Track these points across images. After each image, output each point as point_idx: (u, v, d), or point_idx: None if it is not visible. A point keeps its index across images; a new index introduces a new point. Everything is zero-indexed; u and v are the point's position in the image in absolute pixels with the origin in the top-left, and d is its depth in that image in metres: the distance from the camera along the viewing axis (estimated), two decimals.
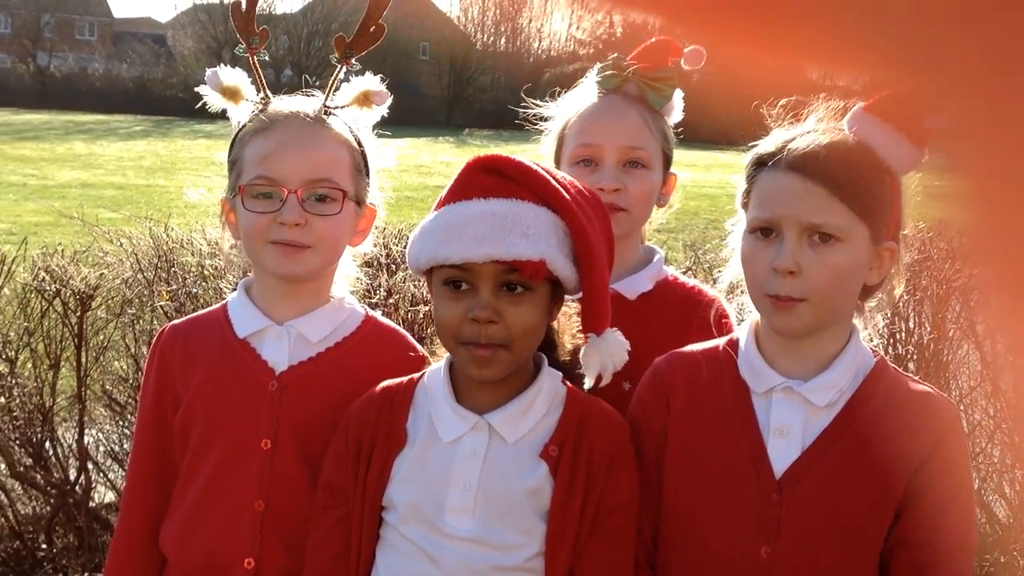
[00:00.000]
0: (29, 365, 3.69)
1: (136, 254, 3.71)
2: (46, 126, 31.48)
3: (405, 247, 1.91)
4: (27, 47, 55.06)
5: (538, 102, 2.31)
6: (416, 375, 1.91)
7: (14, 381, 3.54)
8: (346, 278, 2.14)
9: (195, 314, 2.21)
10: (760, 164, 1.78)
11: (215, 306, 2.16)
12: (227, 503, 1.96)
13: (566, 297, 1.85)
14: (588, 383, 1.78)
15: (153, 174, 18.77)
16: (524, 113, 2.32)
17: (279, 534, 1.94)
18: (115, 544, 2.09)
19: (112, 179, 18.88)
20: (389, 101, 2.09)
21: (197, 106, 2.10)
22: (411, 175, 19.17)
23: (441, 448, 1.79)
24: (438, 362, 1.90)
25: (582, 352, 1.79)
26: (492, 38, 55.81)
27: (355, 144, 2.03)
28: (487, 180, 1.75)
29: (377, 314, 2.16)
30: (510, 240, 1.69)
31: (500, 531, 1.76)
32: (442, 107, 46.91)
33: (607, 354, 1.76)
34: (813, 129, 1.78)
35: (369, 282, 3.32)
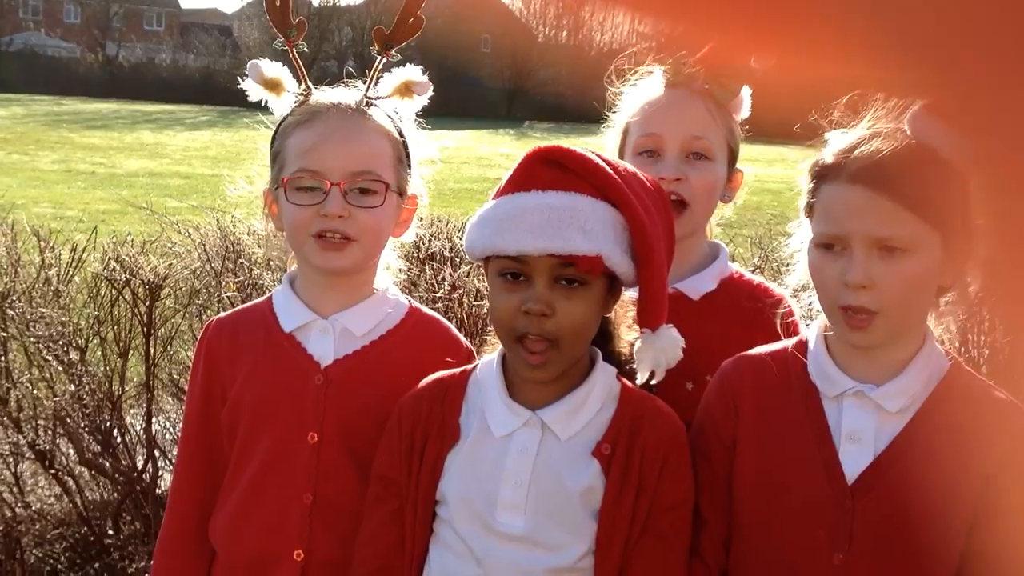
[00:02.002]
0: (99, 353, 3.74)
1: (204, 244, 3.75)
2: (114, 115, 32.08)
3: None
4: (96, 37, 56.11)
5: (603, 94, 2.29)
6: (468, 367, 1.90)
7: (84, 369, 3.59)
8: (389, 270, 2.14)
9: (241, 307, 2.22)
10: (821, 176, 1.74)
11: (260, 299, 2.17)
12: (276, 496, 1.97)
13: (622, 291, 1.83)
14: (640, 379, 1.76)
15: (218, 164, 19.02)
16: (592, 104, 2.29)
17: (327, 526, 1.95)
18: (163, 537, 2.10)
19: (178, 168, 19.18)
20: (431, 91, 2.08)
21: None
22: (471, 167, 19.23)
23: (493, 443, 1.78)
24: (490, 354, 1.89)
25: (636, 348, 1.77)
26: (554, 31, 55.73)
27: (396, 135, 2.03)
28: (547, 172, 1.73)
29: (422, 306, 2.16)
30: (567, 234, 1.67)
31: (551, 530, 1.75)
32: (503, 100, 46.99)
33: (660, 351, 1.74)
34: (874, 134, 1.72)
35: (433, 276, 3.33)
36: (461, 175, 17.67)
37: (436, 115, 2.07)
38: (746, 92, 2.22)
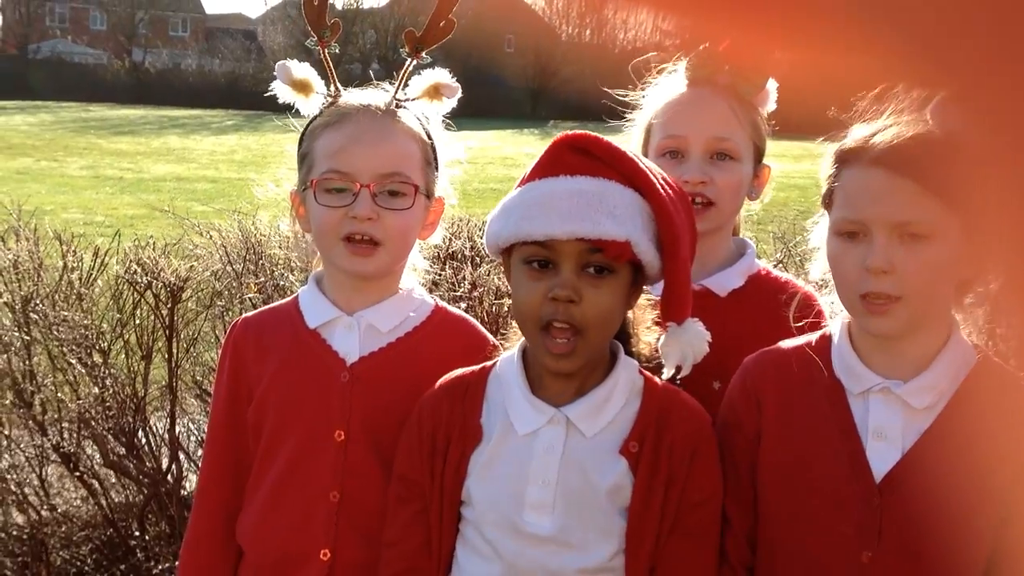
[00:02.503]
0: (122, 356, 3.76)
1: (225, 247, 3.76)
2: (141, 121, 32.35)
3: None
4: (122, 44, 56.59)
5: (625, 92, 2.26)
6: (488, 364, 1.88)
7: (107, 372, 3.61)
8: (415, 271, 2.14)
9: (266, 307, 2.22)
10: (843, 161, 1.72)
11: (286, 300, 2.17)
12: (302, 495, 1.96)
13: (644, 289, 1.81)
14: (667, 374, 1.74)
15: (245, 168, 19.12)
16: (614, 102, 2.27)
17: (355, 525, 1.93)
18: (190, 537, 2.10)
19: (205, 173, 19.31)
20: (459, 94, 2.08)
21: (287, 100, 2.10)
22: (496, 167, 19.24)
23: (517, 442, 1.76)
24: (510, 350, 1.87)
25: (661, 342, 1.75)
26: (577, 29, 55.71)
27: (425, 137, 2.02)
28: (574, 158, 1.72)
29: (448, 304, 2.15)
30: (596, 218, 1.65)
31: (579, 529, 1.73)
32: (527, 99, 47.02)
33: (687, 344, 1.72)
34: (896, 122, 1.70)
35: (455, 275, 3.32)
36: (486, 175, 17.68)
37: (460, 115, 2.07)
38: (772, 85, 2.19)
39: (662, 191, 1.71)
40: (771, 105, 2.21)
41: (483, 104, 37.26)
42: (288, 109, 2.09)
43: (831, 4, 0.52)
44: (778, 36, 0.55)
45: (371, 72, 2.21)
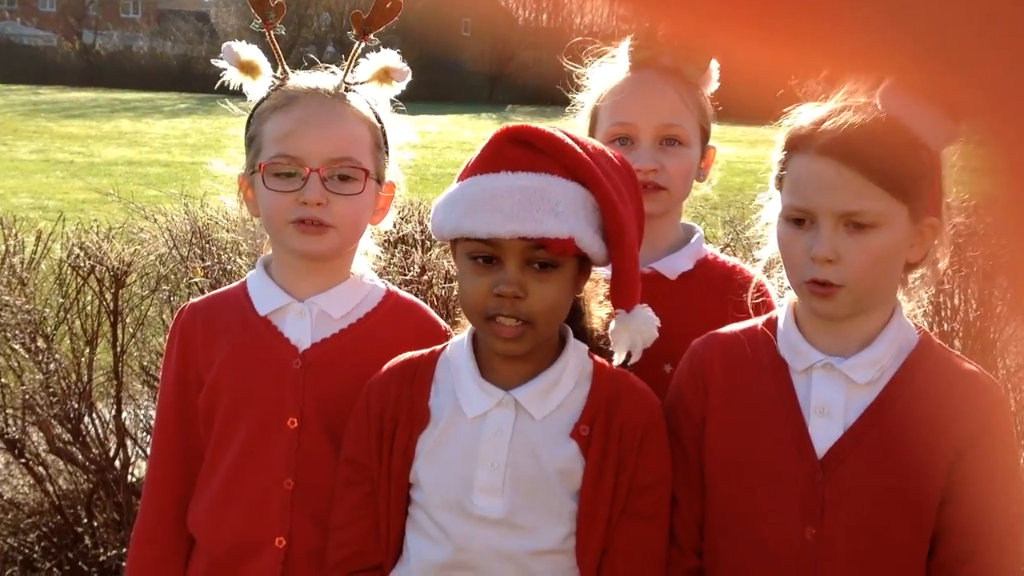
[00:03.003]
0: (67, 341, 3.71)
1: (170, 230, 3.72)
2: (92, 104, 31.87)
3: None
4: (73, 25, 55.68)
5: (574, 71, 2.26)
6: (438, 347, 1.87)
7: (52, 357, 3.57)
8: (367, 255, 2.12)
9: (214, 292, 2.19)
10: (792, 147, 1.73)
11: (234, 284, 2.14)
12: (256, 483, 1.95)
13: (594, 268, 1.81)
14: (617, 360, 1.74)
15: (198, 151, 18.90)
16: (569, 74, 2.26)
17: (309, 512, 1.92)
18: (140, 526, 2.07)
19: (158, 156, 19.08)
20: (409, 77, 2.06)
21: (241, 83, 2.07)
22: (454, 152, 19.17)
23: (466, 425, 1.76)
24: (460, 334, 1.87)
25: (611, 330, 1.75)
26: (533, 14, 55.59)
27: (375, 121, 2.00)
28: (516, 152, 1.70)
29: (399, 289, 2.14)
30: (538, 217, 1.64)
31: (530, 512, 1.73)
32: (484, 84, 46.86)
33: (636, 331, 1.72)
34: (844, 107, 1.71)
35: (404, 260, 3.31)
36: (444, 160, 17.61)
37: (418, 100, 2.05)
38: (714, 66, 2.19)
39: (606, 181, 1.70)
40: (714, 85, 2.22)
41: (441, 89, 37.07)
42: (243, 93, 2.06)
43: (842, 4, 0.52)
44: (783, 38, 0.55)
45: (327, 54, 2.19)
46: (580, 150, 1.71)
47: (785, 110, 1.79)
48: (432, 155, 17.75)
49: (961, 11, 0.49)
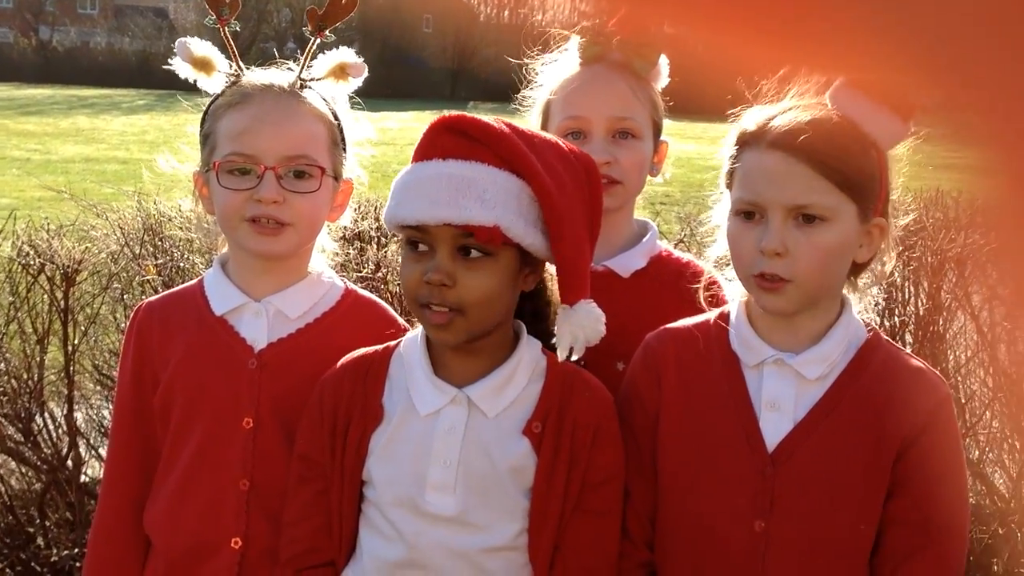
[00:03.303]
0: (17, 341, 3.67)
1: (122, 227, 3.68)
2: (49, 100, 31.42)
3: None
4: (29, 21, 54.86)
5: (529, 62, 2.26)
6: (392, 344, 1.86)
7: (2, 356, 3.52)
8: (324, 252, 2.11)
9: (171, 291, 2.17)
10: (743, 143, 1.74)
11: (191, 282, 2.13)
12: (211, 484, 1.93)
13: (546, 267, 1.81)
14: (560, 357, 1.73)
15: (156, 148, 18.59)
16: (524, 70, 2.27)
17: (265, 513, 1.91)
18: (97, 526, 2.06)
19: (115, 153, 18.84)
20: (365, 73, 2.05)
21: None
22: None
23: (419, 422, 1.76)
24: (414, 331, 1.86)
25: (556, 324, 1.75)
26: (495, 10, 55.52)
27: (331, 118, 1.99)
28: (449, 140, 1.70)
29: (358, 287, 2.13)
30: (463, 203, 1.64)
31: (482, 509, 1.73)
32: (447, 80, 46.71)
33: (578, 326, 1.70)
34: (795, 105, 1.73)
35: (360, 256, 3.30)
36: (405, 157, 17.30)
37: (379, 97, 2.04)
38: (664, 61, 2.20)
39: (544, 172, 1.69)
40: (664, 80, 2.23)
41: (402, 85, 36.89)
42: (200, 89, 2.04)
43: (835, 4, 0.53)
44: (773, 38, 0.55)
45: (287, 50, 2.18)
46: (519, 141, 1.71)
47: (732, 111, 1.81)
48: (394, 152, 17.62)
49: (957, 9, 0.50)
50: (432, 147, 1.71)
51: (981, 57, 0.50)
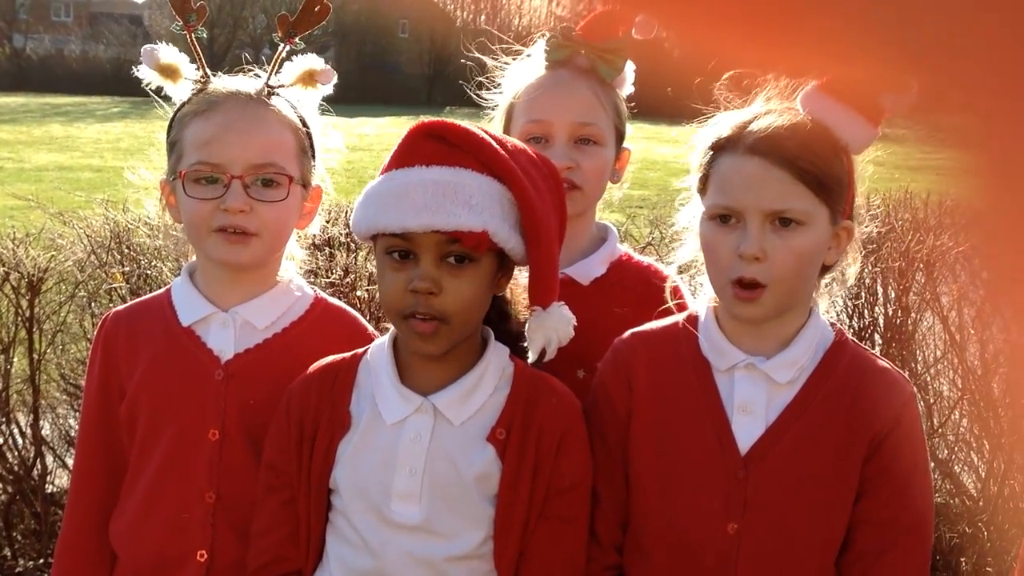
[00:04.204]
0: None
1: (88, 235, 3.65)
2: (22, 109, 31.21)
3: None
4: (2, 29, 54.48)
5: (488, 71, 2.26)
6: (360, 351, 1.85)
7: None
8: (293, 260, 2.09)
9: (138, 300, 2.15)
10: (718, 148, 1.75)
11: (159, 291, 2.10)
12: (177, 496, 1.91)
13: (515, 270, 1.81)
14: (532, 358, 1.74)
15: (131, 156, 18.45)
16: (482, 82, 2.27)
17: (231, 525, 1.89)
18: (64, 536, 2.03)
19: (90, 161, 18.73)
20: (334, 80, 2.04)
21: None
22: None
23: (385, 431, 1.74)
24: (381, 338, 1.85)
25: (527, 326, 1.74)
26: (471, 15, 55.57)
27: (300, 125, 1.97)
28: (430, 146, 1.70)
29: (327, 295, 2.11)
30: (451, 210, 1.63)
31: (447, 518, 1.72)
32: (423, 85, 46.69)
33: (552, 328, 1.71)
34: (769, 110, 1.74)
35: (328, 262, 3.28)
36: (381, 162, 17.53)
37: (356, 102, 2.04)
38: (629, 68, 2.20)
39: (523, 176, 1.70)
40: (629, 88, 2.23)
41: (378, 91, 36.83)
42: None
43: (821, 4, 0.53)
44: (760, 38, 0.55)
45: (263, 56, 2.17)
46: (497, 146, 1.71)
47: (700, 118, 1.81)
48: (370, 157, 17.59)
49: (947, 10, 0.50)
50: (413, 154, 1.70)
51: (968, 57, 0.50)
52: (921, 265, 3.47)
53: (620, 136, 2.18)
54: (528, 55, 2.20)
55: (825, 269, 1.81)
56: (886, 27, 0.51)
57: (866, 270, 3.36)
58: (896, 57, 0.53)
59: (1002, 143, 0.51)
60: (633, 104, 2.26)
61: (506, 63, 2.23)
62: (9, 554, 3.54)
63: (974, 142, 0.52)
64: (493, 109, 2.24)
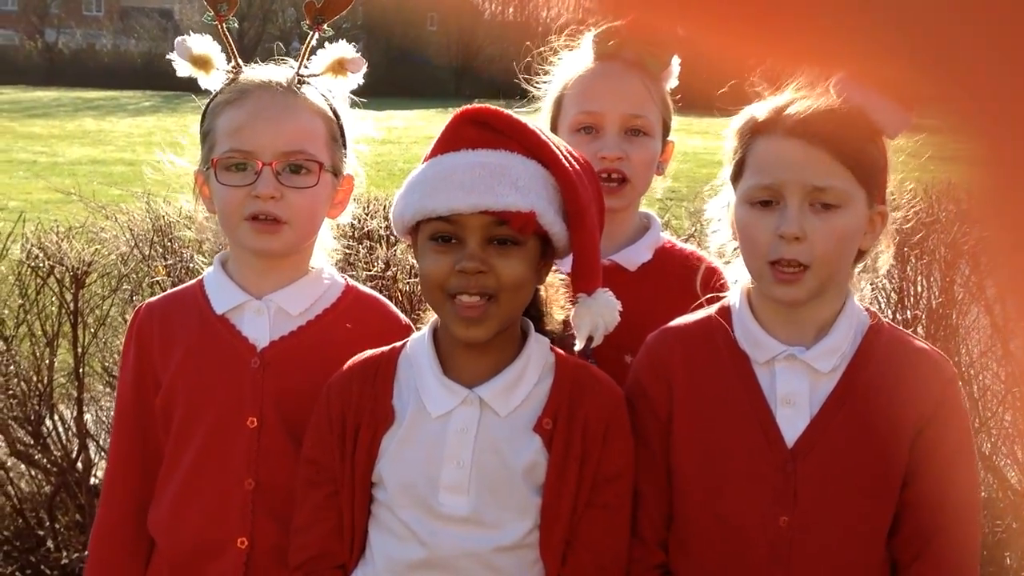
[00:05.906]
0: (27, 343, 3.66)
1: (131, 228, 3.67)
2: (55, 103, 31.50)
3: None
4: (35, 24, 54.98)
5: (539, 67, 2.26)
6: (398, 344, 1.85)
7: (11, 359, 3.52)
8: (325, 249, 2.10)
9: (171, 291, 2.17)
10: (755, 132, 1.75)
11: (191, 282, 2.12)
12: (216, 483, 1.93)
13: (554, 265, 1.80)
14: (579, 345, 1.74)
15: (163, 150, 18.71)
16: (529, 77, 2.27)
17: (271, 512, 1.91)
18: (98, 528, 2.05)
19: (122, 155, 18.89)
20: (364, 68, 2.04)
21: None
22: (421, 146, 19.06)
23: (431, 423, 1.75)
24: (420, 330, 1.85)
25: (572, 313, 1.74)
26: (500, 8, 55.55)
27: (330, 113, 1.99)
28: (475, 132, 1.71)
29: (360, 285, 2.12)
30: (499, 190, 1.64)
31: (495, 509, 1.73)
32: (451, 78, 46.75)
33: (598, 314, 1.71)
34: (804, 95, 1.74)
35: (369, 255, 3.29)
36: (411, 154, 17.54)
37: (384, 95, 2.04)
38: (675, 62, 2.21)
39: (566, 162, 1.71)
40: (674, 81, 2.24)
41: (407, 84, 36.90)
42: (206, 90, 2.04)
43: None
44: (764, 37, 0.55)
45: (292, 49, 2.18)
46: (540, 133, 1.73)
47: (731, 107, 1.81)
48: (399, 150, 17.67)
49: (945, 4, 0.49)
50: (458, 139, 1.71)
51: (971, 52, 0.50)
52: (966, 257, 3.44)
53: (666, 128, 2.21)
54: (576, 47, 2.21)
55: (859, 256, 1.80)
56: (885, 23, 0.51)
57: (909, 264, 3.33)
58: (897, 52, 0.53)
59: (1002, 140, 0.51)
60: (678, 97, 2.26)
61: (548, 57, 2.24)
62: (52, 546, 3.57)
63: (977, 133, 0.52)
64: (529, 102, 2.24)
